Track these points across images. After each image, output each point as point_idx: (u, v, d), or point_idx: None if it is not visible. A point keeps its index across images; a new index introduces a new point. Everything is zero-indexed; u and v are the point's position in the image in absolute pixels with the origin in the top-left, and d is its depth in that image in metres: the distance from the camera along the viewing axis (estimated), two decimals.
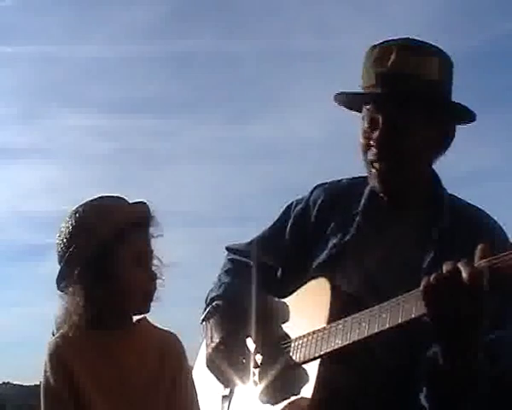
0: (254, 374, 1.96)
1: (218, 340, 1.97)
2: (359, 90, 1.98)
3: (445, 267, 1.63)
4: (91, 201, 1.87)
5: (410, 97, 1.90)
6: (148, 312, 1.87)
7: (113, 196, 1.89)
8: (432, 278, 1.63)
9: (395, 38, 1.97)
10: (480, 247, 1.61)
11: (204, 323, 2.06)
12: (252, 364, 1.96)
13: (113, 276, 1.80)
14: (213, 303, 2.06)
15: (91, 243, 1.79)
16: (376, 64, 1.92)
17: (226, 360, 1.96)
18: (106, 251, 1.79)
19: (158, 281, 1.86)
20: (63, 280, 1.83)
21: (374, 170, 1.95)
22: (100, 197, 1.88)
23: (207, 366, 1.99)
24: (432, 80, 1.91)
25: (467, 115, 1.96)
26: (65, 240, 1.83)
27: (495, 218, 2.01)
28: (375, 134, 1.92)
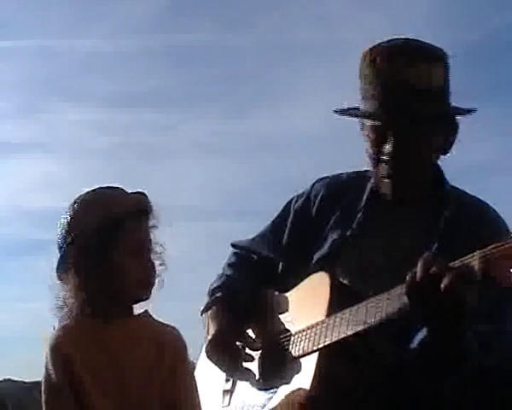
0: (253, 367, 1.97)
1: (215, 330, 1.98)
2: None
3: (433, 268, 1.64)
4: (89, 191, 1.88)
5: (422, 113, 1.88)
6: (148, 298, 1.88)
7: (111, 187, 1.90)
8: (418, 278, 1.65)
9: (396, 39, 1.94)
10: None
11: (204, 314, 2.07)
12: (250, 355, 1.97)
13: (110, 263, 1.81)
14: (213, 296, 2.08)
15: (88, 232, 1.81)
16: (384, 75, 1.89)
17: (224, 350, 1.96)
18: (103, 239, 1.81)
19: (158, 268, 1.87)
20: (61, 269, 1.84)
21: (387, 180, 1.96)
22: (98, 188, 1.89)
23: (206, 356, 2.00)
24: (438, 89, 1.91)
25: (467, 110, 1.96)
26: (63, 230, 1.85)
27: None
28: (388, 148, 1.92)
